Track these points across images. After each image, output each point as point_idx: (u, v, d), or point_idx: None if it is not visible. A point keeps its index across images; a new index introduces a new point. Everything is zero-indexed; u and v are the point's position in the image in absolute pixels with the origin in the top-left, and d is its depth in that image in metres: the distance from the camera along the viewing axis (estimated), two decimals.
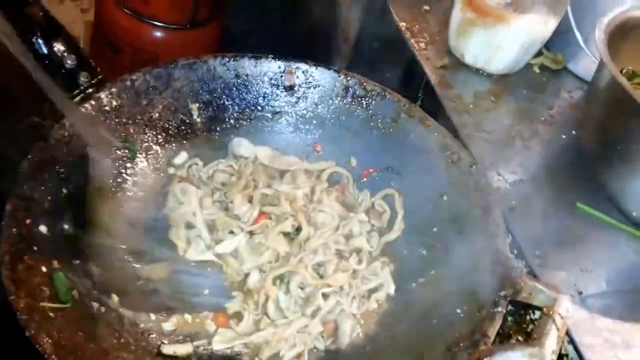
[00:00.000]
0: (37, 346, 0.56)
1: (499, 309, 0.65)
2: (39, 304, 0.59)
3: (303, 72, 0.87)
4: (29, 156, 0.68)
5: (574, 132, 0.94)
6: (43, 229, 0.65)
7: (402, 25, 1.06)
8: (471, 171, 0.78)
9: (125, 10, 1.54)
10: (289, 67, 0.87)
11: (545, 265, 0.74)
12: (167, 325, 0.69)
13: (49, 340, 0.57)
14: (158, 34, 1.56)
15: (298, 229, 0.77)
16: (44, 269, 0.63)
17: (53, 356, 0.56)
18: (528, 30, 0.94)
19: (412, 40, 1.03)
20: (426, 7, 1.11)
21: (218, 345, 0.69)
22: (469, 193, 0.77)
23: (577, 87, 1.02)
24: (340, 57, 1.32)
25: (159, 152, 0.82)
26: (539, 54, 1.03)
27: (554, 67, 1.05)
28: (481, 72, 1.00)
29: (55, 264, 0.64)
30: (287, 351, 0.69)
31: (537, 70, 1.04)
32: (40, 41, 0.80)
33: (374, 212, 0.83)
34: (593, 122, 0.87)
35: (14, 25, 0.61)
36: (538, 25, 0.95)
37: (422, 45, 1.03)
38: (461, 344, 0.63)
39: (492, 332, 0.63)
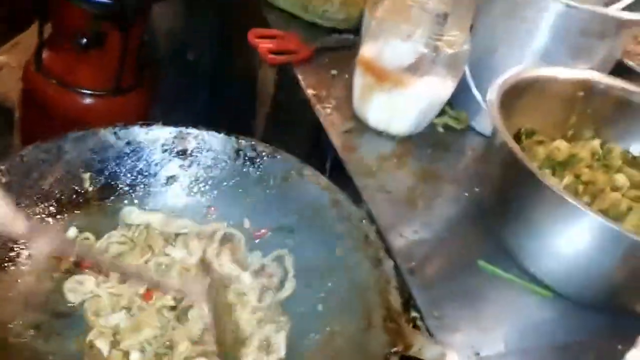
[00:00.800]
0: None
1: None
2: None
3: (194, 137, 0.88)
4: None
5: (476, 189, 0.95)
6: None
7: (309, 92, 1.07)
8: (361, 226, 0.79)
9: (52, 79, 1.57)
10: (181, 132, 0.87)
11: (442, 326, 0.74)
12: None
13: None
14: (85, 100, 1.60)
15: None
16: None
17: None
18: (426, 93, 0.97)
19: (318, 106, 1.04)
20: (334, 72, 1.13)
21: None
22: (360, 247, 0.78)
23: (481, 144, 1.05)
24: (259, 125, 1.34)
25: (51, 223, 0.80)
26: (442, 112, 1.06)
27: (457, 126, 1.07)
28: (385, 134, 1.01)
29: None
30: None
31: (441, 129, 1.06)
32: None
33: (265, 273, 0.82)
34: (490, 181, 0.89)
35: None
36: (436, 88, 0.97)
37: (328, 110, 1.04)
38: None
39: None
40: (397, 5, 0.92)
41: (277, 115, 1.25)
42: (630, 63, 1.13)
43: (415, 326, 0.73)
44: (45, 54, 1.63)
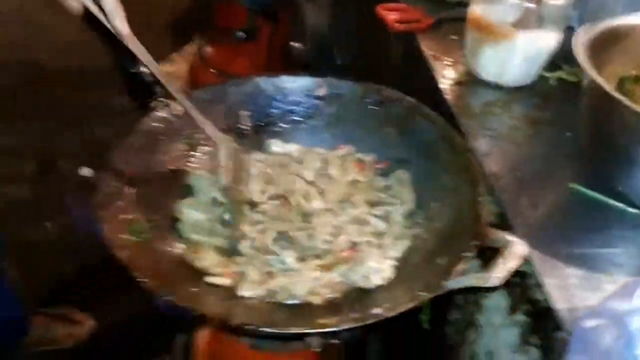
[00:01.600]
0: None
1: (467, 254, 0.77)
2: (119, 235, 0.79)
3: (329, 84, 1.07)
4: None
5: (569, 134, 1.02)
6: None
7: (428, 52, 1.21)
8: (465, 155, 0.92)
9: (213, 69, 1.85)
10: (318, 81, 1.06)
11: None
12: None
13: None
14: None
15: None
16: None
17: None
18: (531, 45, 1.06)
19: (435, 63, 1.18)
20: (453, 37, 1.25)
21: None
22: (462, 173, 0.91)
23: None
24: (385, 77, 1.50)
25: None
26: (556, 67, 1.14)
27: (570, 79, 1.14)
28: (494, 85, 1.12)
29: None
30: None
31: (553, 82, 1.14)
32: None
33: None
34: (586, 117, 0.96)
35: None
36: (541, 39, 1.06)
37: (444, 66, 1.17)
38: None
39: (458, 270, 0.75)
40: None
41: (399, 70, 1.40)
42: None
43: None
44: (207, 49, 1.92)
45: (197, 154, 1.02)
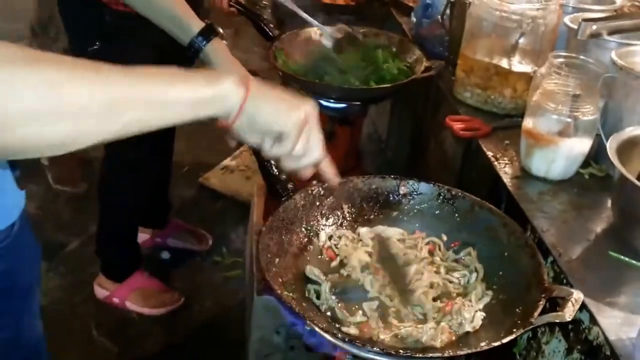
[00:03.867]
0: None
1: (541, 302, 1.09)
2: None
3: (411, 184, 1.41)
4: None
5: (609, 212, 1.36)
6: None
7: (489, 154, 1.57)
8: (522, 236, 1.26)
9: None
10: (402, 182, 1.41)
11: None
12: None
13: None
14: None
15: None
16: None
17: None
18: (571, 149, 1.42)
19: (495, 163, 1.53)
20: (507, 142, 1.62)
21: None
22: (522, 251, 1.24)
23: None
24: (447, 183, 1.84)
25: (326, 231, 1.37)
26: (587, 165, 1.49)
27: (598, 174, 1.49)
28: (543, 179, 1.47)
29: None
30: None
31: (586, 177, 1.49)
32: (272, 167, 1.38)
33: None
34: (618, 204, 1.31)
35: None
36: (577, 145, 1.42)
37: (503, 165, 1.53)
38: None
39: (537, 313, 1.07)
40: (547, 91, 1.41)
41: (461, 179, 1.75)
42: None
43: None
44: None
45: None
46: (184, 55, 1.46)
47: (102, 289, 2.45)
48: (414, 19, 2.27)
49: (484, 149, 1.59)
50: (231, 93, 0.87)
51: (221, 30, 1.46)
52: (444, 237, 1.37)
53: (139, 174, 2.28)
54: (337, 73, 2.01)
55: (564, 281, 1.19)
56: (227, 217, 2.94)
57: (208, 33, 1.44)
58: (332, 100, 2.02)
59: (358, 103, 2.07)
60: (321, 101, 2.02)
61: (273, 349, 1.46)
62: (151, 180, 2.42)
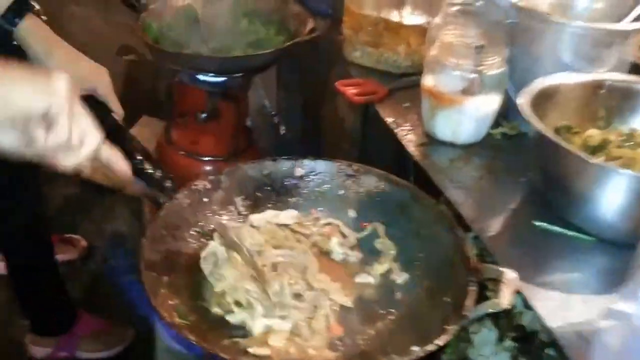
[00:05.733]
0: None
1: (472, 287, 0.92)
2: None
3: (307, 164, 1.20)
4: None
5: (529, 174, 1.22)
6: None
7: (389, 120, 1.39)
8: (436, 208, 1.09)
9: (180, 150, 1.96)
10: (297, 162, 1.20)
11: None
12: None
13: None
14: (205, 167, 1.97)
15: None
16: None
17: None
18: (478, 108, 1.26)
19: (397, 130, 1.35)
20: (406, 104, 1.44)
21: None
22: (439, 226, 1.07)
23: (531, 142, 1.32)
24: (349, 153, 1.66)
25: None
26: (497, 125, 1.34)
27: (510, 133, 1.35)
28: (451, 144, 1.31)
29: None
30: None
31: (498, 137, 1.34)
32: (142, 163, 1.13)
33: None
34: (538, 164, 1.16)
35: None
36: (486, 103, 1.26)
37: (405, 132, 1.35)
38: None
39: (470, 302, 0.90)
40: (445, 44, 1.24)
41: (364, 148, 1.57)
42: None
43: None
44: (172, 131, 2.04)
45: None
46: None
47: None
48: None
49: (382, 115, 1.41)
50: None
51: (37, 5, 1.18)
52: (353, 217, 1.18)
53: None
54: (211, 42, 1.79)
55: (489, 261, 1.03)
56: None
57: (19, 9, 1.17)
58: (210, 74, 1.83)
59: (239, 75, 1.85)
60: (198, 76, 1.84)
61: None
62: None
